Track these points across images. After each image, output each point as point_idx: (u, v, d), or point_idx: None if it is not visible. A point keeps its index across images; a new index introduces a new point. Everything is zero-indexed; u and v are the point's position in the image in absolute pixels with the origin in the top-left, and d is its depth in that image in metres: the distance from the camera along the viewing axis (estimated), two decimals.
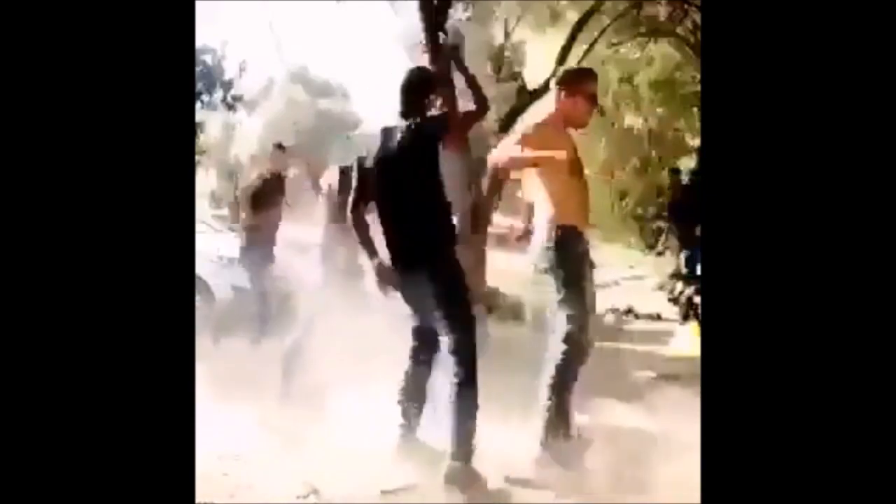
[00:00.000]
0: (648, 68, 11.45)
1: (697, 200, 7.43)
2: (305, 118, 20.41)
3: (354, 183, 3.14)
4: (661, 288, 9.08)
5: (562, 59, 8.53)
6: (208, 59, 9.67)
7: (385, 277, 3.06)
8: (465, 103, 3.33)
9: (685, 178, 9.24)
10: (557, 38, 8.77)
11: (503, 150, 3.21)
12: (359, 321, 3.45)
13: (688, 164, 10.92)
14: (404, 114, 3.05)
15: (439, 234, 3.03)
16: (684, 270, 7.77)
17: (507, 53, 10.77)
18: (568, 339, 3.00)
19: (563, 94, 3.16)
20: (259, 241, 5.74)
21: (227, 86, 9.92)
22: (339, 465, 3.01)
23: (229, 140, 19.52)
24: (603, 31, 9.23)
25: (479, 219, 8.27)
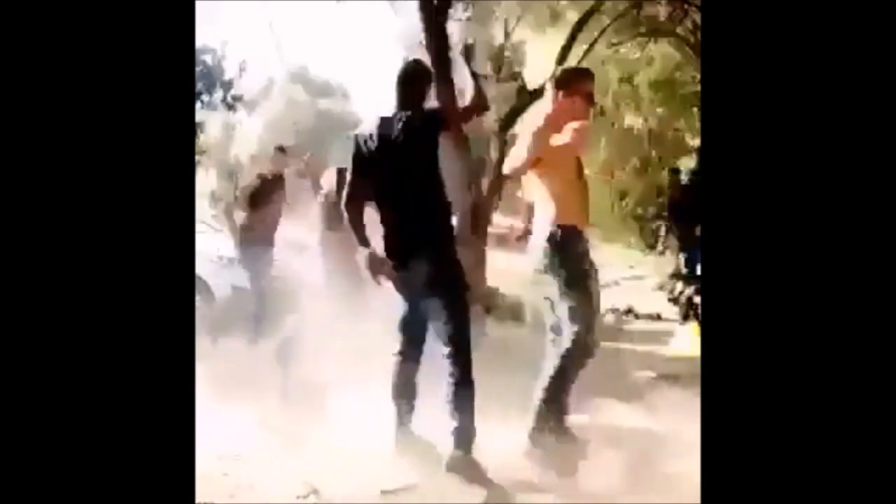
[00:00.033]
0: (648, 68, 11.46)
1: (697, 200, 7.43)
2: (305, 118, 20.40)
3: (349, 175, 3.14)
4: (661, 288, 9.07)
5: (562, 59, 8.53)
6: (208, 59, 9.65)
7: (376, 266, 3.06)
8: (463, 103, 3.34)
9: (685, 178, 9.24)
10: (557, 38, 8.77)
11: (514, 160, 3.20)
12: (358, 321, 3.46)
13: (688, 164, 10.92)
14: (401, 105, 3.07)
15: (438, 225, 3.06)
16: (684, 270, 7.77)
17: (507, 53, 10.77)
18: (574, 338, 2.99)
19: (560, 94, 3.15)
20: (256, 242, 5.74)
21: (227, 86, 9.90)
22: (339, 465, 3.01)
23: (229, 140, 19.50)
24: (603, 31, 9.23)
25: (479, 219, 8.28)
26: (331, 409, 3.41)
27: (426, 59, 7.75)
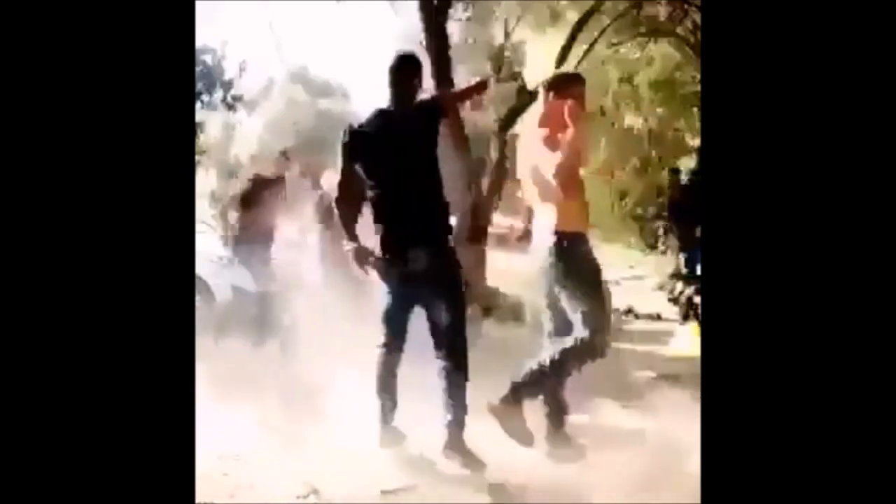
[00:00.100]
0: (648, 68, 11.45)
1: (697, 200, 7.42)
2: (305, 118, 20.37)
3: (340, 166, 3.15)
4: (661, 288, 9.06)
5: (562, 59, 8.53)
6: (208, 59, 9.67)
7: (362, 258, 3.09)
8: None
9: (685, 178, 9.24)
10: (557, 38, 8.76)
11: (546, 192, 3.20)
12: (358, 321, 3.45)
13: (688, 164, 10.92)
14: (395, 97, 3.10)
15: (436, 217, 3.09)
16: (684, 270, 7.76)
17: (507, 53, 10.77)
18: (585, 339, 2.99)
19: (551, 97, 3.16)
20: (253, 242, 5.74)
21: (227, 86, 9.92)
22: (339, 465, 3.01)
23: (229, 140, 19.47)
24: (603, 31, 9.22)
25: (479, 219, 8.28)
26: (331, 409, 3.41)
27: (426, 60, 7.79)
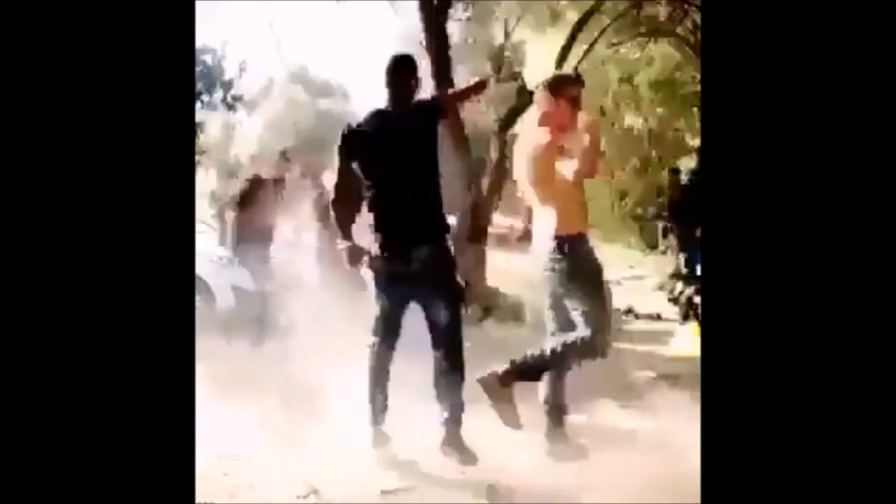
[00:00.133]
0: (648, 68, 11.46)
1: (697, 200, 7.42)
2: (305, 118, 20.36)
3: (337, 165, 3.17)
4: (661, 288, 9.07)
5: (562, 59, 8.53)
6: (208, 59, 9.67)
7: (355, 258, 3.11)
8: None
9: (685, 178, 9.24)
10: (557, 38, 8.76)
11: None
12: (358, 320, 3.45)
13: (688, 164, 10.92)
14: (393, 99, 3.12)
15: (435, 216, 3.11)
16: (684, 270, 7.76)
17: (507, 53, 10.76)
18: (586, 338, 2.99)
19: (548, 98, 3.16)
20: (252, 242, 5.75)
21: (227, 86, 9.91)
22: (339, 465, 3.01)
23: (229, 140, 19.46)
24: (603, 31, 9.22)
25: (479, 219, 8.28)
26: (331, 409, 3.41)
27: (426, 60, 7.79)
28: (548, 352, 3.04)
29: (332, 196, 3.20)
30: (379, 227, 3.08)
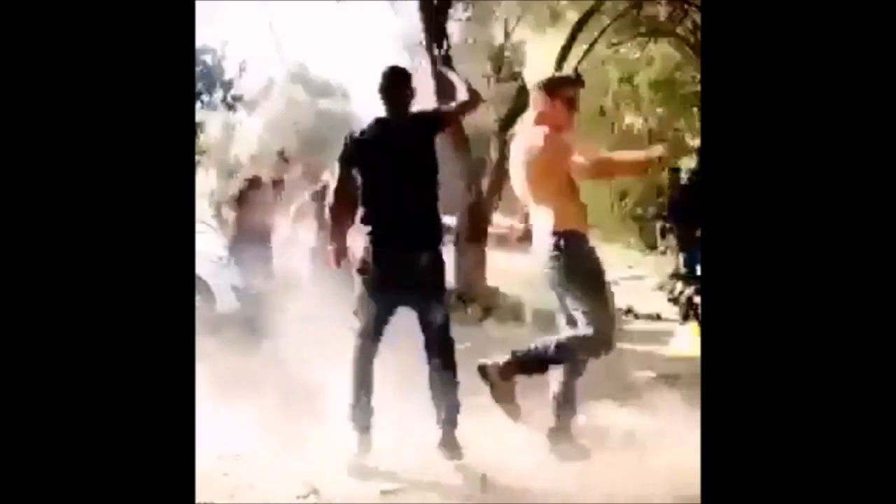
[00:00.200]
0: (648, 68, 11.46)
1: (697, 200, 7.42)
2: (305, 118, 20.41)
3: (337, 174, 3.21)
4: (660, 288, 9.06)
5: (562, 59, 8.53)
6: (208, 59, 9.64)
7: (339, 258, 3.18)
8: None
9: (685, 178, 9.23)
10: (557, 38, 8.77)
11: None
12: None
13: (688, 164, 10.91)
14: (390, 111, 3.17)
15: (431, 226, 3.15)
16: (683, 270, 7.76)
17: (507, 53, 10.78)
18: (590, 337, 2.99)
19: (544, 99, 3.16)
20: (251, 242, 5.75)
21: (227, 86, 9.89)
22: (338, 465, 3.01)
23: (229, 140, 19.52)
24: (603, 31, 9.23)
25: (479, 219, 8.28)
26: (331, 409, 3.41)
27: (426, 60, 7.79)
28: (551, 345, 3.03)
29: (330, 200, 3.24)
30: (375, 232, 3.11)
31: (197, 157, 8.84)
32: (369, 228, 3.12)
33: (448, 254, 7.46)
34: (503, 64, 10.84)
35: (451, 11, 8.17)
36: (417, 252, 3.08)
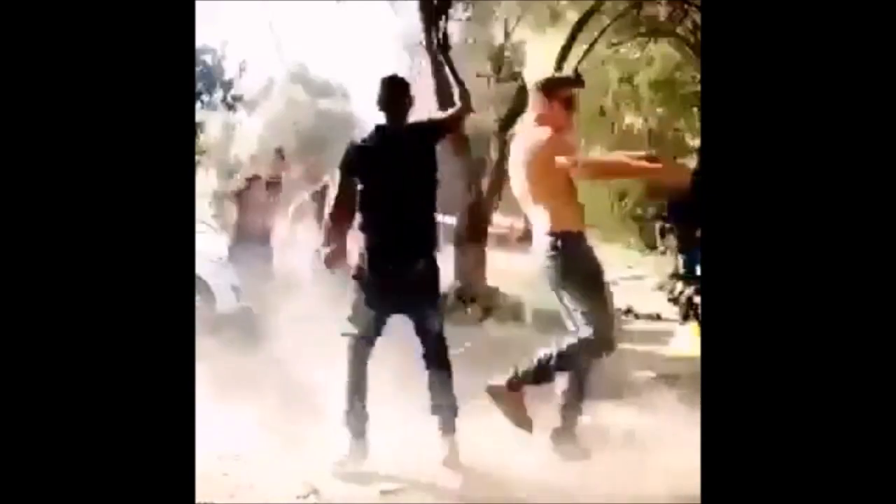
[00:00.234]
0: (648, 68, 11.46)
1: (697, 200, 7.41)
2: (305, 118, 20.41)
3: (338, 182, 3.23)
4: (660, 288, 9.07)
5: (562, 58, 8.53)
6: (208, 59, 9.64)
7: (335, 261, 3.21)
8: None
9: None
10: (557, 38, 8.77)
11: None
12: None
13: (688, 164, 10.91)
14: (388, 120, 3.19)
15: (428, 233, 3.19)
16: (682, 270, 7.76)
17: (507, 53, 10.78)
18: (590, 339, 2.99)
19: (542, 99, 3.16)
20: (251, 241, 5.75)
21: (227, 86, 9.89)
22: (338, 466, 3.01)
23: (229, 140, 19.52)
24: (603, 31, 9.23)
25: (479, 219, 8.29)
26: (331, 409, 3.41)
27: (426, 60, 7.79)
28: (553, 356, 3.02)
29: (331, 206, 3.26)
30: (372, 239, 3.14)
31: (197, 157, 8.85)
32: (367, 235, 3.15)
33: (448, 254, 7.51)
34: (503, 64, 10.84)
35: (451, 11, 8.16)
36: (413, 260, 3.12)
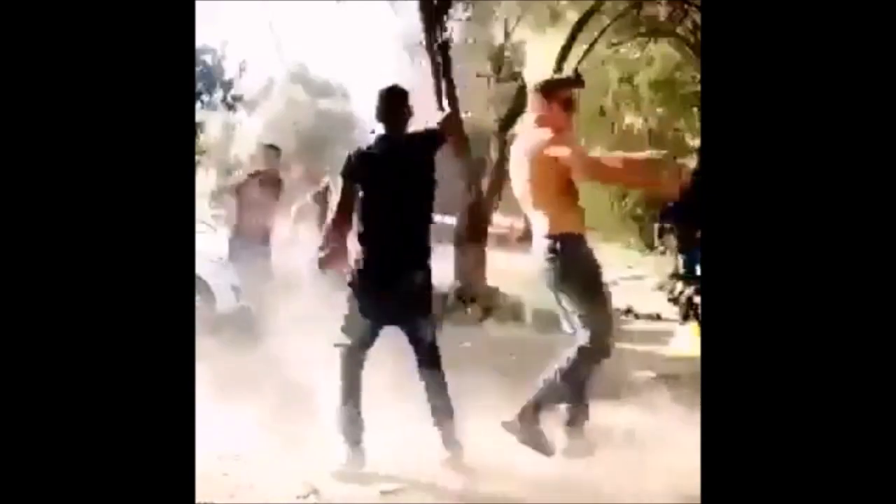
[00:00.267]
0: (648, 68, 11.47)
1: (697, 200, 7.41)
2: (305, 118, 20.44)
3: (340, 189, 3.27)
4: (660, 288, 9.07)
5: (562, 58, 8.53)
6: (208, 59, 9.65)
7: (329, 263, 3.23)
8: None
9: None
10: (557, 38, 8.77)
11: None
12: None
13: (688, 164, 10.90)
14: (387, 130, 3.21)
15: (424, 242, 3.22)
16: (682, 270, 7.76)
17: (507, 53, 10.78)
18: (589, 343, 2.98)
19: (541, 100, 3.16)
20: (250, 241, 5.75)
21: (227, 86, 9.90)
22: (338, 465, 3.01)
23: (229, 140, 19.54)
24: (603, 31, 9.24)
25: (479, 219, 8.29)
26: (330, 409, 3.41)
27: (426, 60, 7.79)
28: (557, 377, 3.01)
29: (333, 212, 3.28)
30: (369, 247, 3.16)
31: (197, 157, 8.85)
32: (364, 243, 3.17)
33: (448, 254, 7.50)
34: (503, 64, 10.84)
35: (451, 11, 8.16)
36: (408, 270, 3.14)
